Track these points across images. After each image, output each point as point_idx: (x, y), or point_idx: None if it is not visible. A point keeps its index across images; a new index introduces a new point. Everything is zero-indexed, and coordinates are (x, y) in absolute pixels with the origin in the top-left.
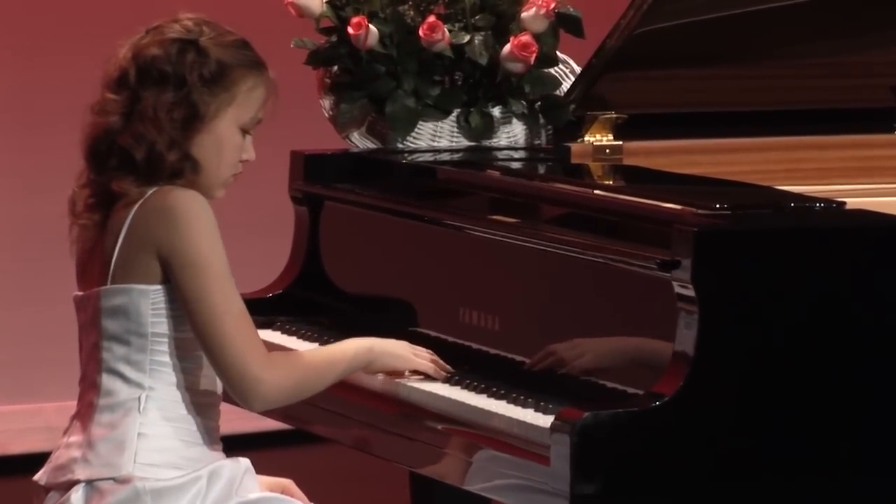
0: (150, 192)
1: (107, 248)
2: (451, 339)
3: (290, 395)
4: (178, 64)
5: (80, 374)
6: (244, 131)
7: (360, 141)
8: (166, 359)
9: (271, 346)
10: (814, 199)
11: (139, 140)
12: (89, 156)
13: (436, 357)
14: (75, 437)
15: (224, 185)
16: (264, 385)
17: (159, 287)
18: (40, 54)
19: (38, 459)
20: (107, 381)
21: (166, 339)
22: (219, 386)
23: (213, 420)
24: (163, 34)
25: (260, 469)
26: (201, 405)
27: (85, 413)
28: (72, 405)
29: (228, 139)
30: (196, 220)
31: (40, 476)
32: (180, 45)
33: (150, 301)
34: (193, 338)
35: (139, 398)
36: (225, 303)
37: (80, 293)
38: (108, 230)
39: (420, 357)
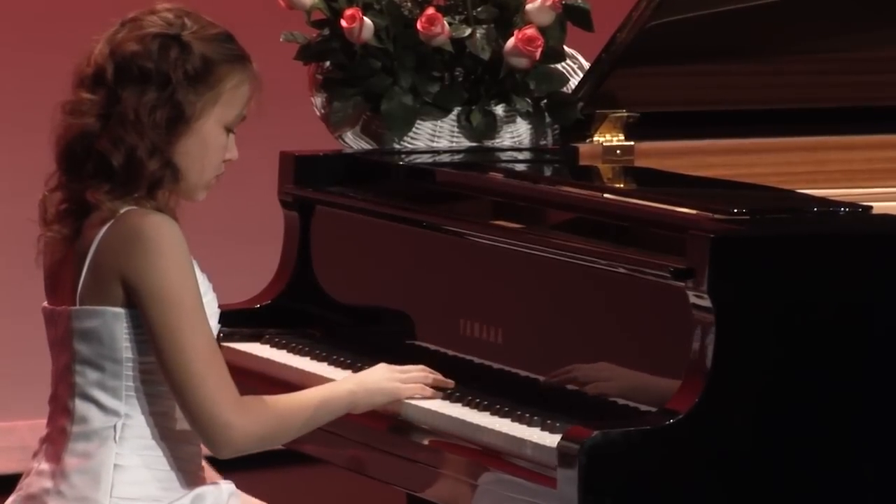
0: (122, 211)
1: (75, 266)
2: (451, 352)
3: (260, 442)
4: (160, 61)
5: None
6: (228, 130)
7: (353, 141)
8: (142, 384)
9: (259, 361)
10: (838, 204)
11: (118, 144)
12: (63, 159)
13: (428, 372)
14: (47, 465)
15: (207, 187)
16: (234, 431)
17: (126, 311)
18: (37, 52)
19: (12, 481)
20: (80, 406)
21: (140, 364)
22: None
23: (196, 445)
24: (141, 28)
25: (246, 492)
26: (182, 432)
27: (57, 439)
28: None
29: (213, 140)
30: (165, 249)
31: None
32: (162, 41)
33: (125, 324)
34: None
35: (115, 426)
36: (194, 340)
37: (50, 307)
38: (77, 247)
39: (409, 382)
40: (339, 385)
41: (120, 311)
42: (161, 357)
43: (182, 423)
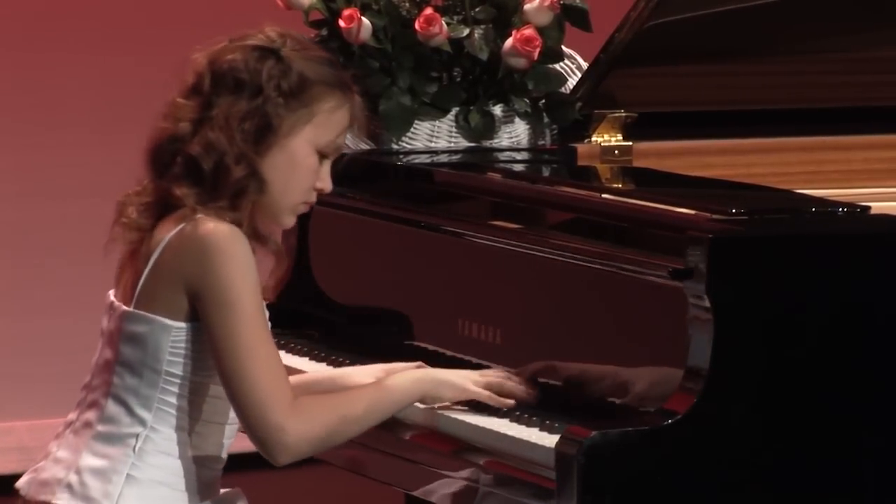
0: (197, 216)
1: (139, 265)
2: (449, 352)
3: (317, 445)
4: (255, 72)
5: (86, 375)
6: (322, 155)
7: (351, 142)
8: (174, 400)
9: None
10: (836, 204)
11: (209, 150)
12: (150, 161)
13: (505, 378)
14: (65, 453)
15: (294, 211)
16: (288, 435)
17: (183, 325)
18: (39, 51)
19: (11, 481)
20: (111, 406)
21: (178, 380)
22: (228, 436)
23: (216, 470)
24: (244, 41)
25: (248, 491)
26: (205, 455)
27: (81, 431)
28: (46, 423)
29: (302, 160)
30: (230, 256)
31: (22, 484)
32: (260, 53)
33: (171, 338)
34: (207, 384)
35: (137, 436)
36: (253, 345)
37: (113, 298)
38: (145, 246)
39: (479, 384)
40: (404, 375)
41: (170, 323)
42: (219, 361)
43: (206, 447)
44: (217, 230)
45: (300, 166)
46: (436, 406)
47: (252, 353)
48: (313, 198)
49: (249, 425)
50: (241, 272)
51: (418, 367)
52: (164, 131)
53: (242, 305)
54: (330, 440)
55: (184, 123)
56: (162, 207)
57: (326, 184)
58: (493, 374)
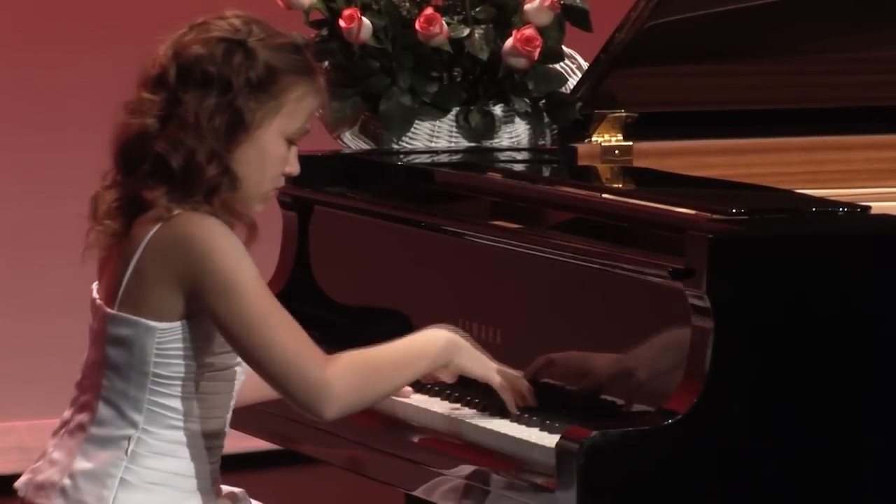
0: (175, 213)
1: (118, 267)
2: None
3: (362, 393)
4: (223, 66)
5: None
6: (289, 142)
7: (352, 141)
8: (165, 401)
9: None
10: (836, 204)
11: (177, 147)
12: (119, 158)
13: (524, 387)
14: (60, 455)
15: (264, 198)
16: (332, 386)
17: (170, 325)
18: (39, 51)
19: (11, 481)
20: (103, 409)
21: (168, 381)
22: (226, 426)
23: (214, 464)
24: (208, 32)
25: (248, 491)
26: (201, 452)
27: (75, 432)
28: (46, 423)
29: (272, 151)
30: (219, 245)
31: (20, 485)
32: (227, 46)
33: (156, 340)
34: (198, 381)
35: (129, 438)
36: (269, 316)
37: (96, 296)
38: (124, 246)
39: (502, 375)
40: (438, 333)
41: (154, 325)
42: (240, 344)
43: (201, 442)
44: (199, 224)
45: (270, 157)
46: (434, 408)
47: (270, 324)
48: (282, 182)
49: (291, 390)
50: (234, 256)
51: None
52: (129, 127)
53: (245, 285)
54: (370, 391)
55: (150, 119)
56: (134, 206)
57: (294, 168)
58: (511, 373)
